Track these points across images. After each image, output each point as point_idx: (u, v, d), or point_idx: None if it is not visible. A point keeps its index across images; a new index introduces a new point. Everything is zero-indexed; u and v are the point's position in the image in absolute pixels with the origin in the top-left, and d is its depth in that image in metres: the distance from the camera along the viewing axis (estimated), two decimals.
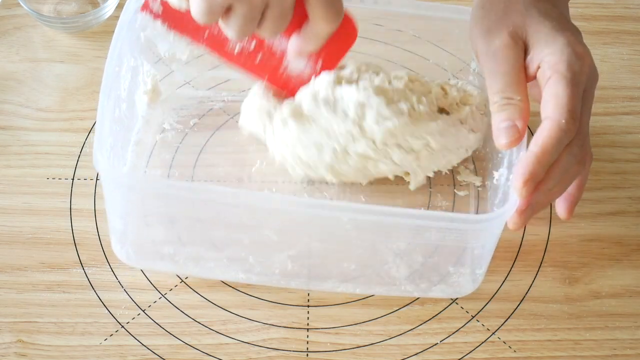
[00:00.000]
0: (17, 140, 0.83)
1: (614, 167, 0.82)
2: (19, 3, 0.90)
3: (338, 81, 0.75)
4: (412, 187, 0.78)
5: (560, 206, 0.71)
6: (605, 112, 0.86)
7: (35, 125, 0.84)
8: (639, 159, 0.83)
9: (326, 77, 0.74)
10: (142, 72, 0.79)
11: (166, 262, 0.73)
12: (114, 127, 0.72)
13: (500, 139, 0.66)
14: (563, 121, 0.63)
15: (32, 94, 0.87)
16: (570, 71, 0.64)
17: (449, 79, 0.81)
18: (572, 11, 0.74)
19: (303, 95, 0.75)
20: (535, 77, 0.67)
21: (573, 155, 0.65)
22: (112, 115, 0.72)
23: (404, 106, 0.74)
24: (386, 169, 0.75)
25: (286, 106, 0.75)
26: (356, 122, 0.72)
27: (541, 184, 0.64)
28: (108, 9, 0.91)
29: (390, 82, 0.76)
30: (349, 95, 0.73)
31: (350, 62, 0.76)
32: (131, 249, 0.73)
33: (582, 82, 0.65)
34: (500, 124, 0.65)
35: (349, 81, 0.75)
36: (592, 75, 0.67)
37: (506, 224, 0.66)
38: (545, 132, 0.63)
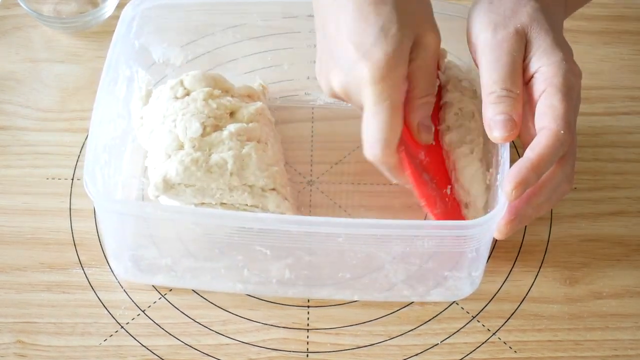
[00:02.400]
0: (17, 140, 0.83)
1: (614, 167, 0.82)
2: (19, 3, 0.90)
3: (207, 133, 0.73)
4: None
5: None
6: (605, 112, 0.85)
7: (35, 125, 0.84)
8: (639, 159, 0.83)
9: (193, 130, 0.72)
10: (136, 79, 0.78)
11: (163, 276, 0.73)
12: (109, 142, 0.72)
13: (495, 131, 0.65)
14: (562, 132, 0.63)
15: (32, 94, 0.87)
16: (566, 86, 0.64)
17: None
18: None
19: (170, 164, 0.71)
20: (526, 84, 0.67)
21: (565, 174, 0.65)
22: (107, 130, 0.72)
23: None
24: None
25: (153, 180, 0.71)
26: (235, 173, 0.71)
27: (533, 197, 0.64)
28: (108, 9, 0.91)
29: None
30: (223, 150, 0.72)
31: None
32: (128, 265, 0.73)
33: (574, 99, 0.65)
34: (496, 116, 0.65)
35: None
36: (580, 97, 0.67)
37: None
38: (543, 141, 0.63)
